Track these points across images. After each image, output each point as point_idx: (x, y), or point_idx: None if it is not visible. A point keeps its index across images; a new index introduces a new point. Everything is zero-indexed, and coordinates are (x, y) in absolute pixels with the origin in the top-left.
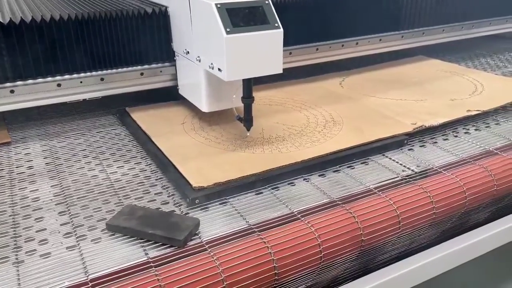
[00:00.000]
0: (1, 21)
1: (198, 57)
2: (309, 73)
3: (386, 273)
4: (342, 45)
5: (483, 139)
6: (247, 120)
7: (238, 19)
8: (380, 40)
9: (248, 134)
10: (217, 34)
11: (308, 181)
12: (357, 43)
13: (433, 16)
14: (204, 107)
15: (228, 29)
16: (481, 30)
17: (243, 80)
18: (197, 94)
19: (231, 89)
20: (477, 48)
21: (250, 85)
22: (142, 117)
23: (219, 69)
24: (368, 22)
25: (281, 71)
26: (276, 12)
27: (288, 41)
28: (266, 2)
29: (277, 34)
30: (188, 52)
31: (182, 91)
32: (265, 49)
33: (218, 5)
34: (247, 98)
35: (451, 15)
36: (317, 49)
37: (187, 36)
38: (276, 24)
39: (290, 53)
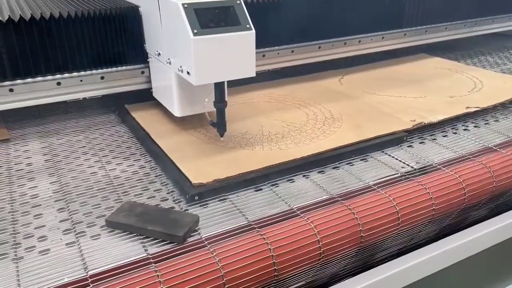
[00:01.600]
0: (0, 18)
1: (168, 59)
2: (309, 70)
3: (386, 270)
4: (345, 43)
5: (482, 136)
6: (220, 125)
7: (207, 20)
8: (383, 38)
9: (222, 139)
10: (184, 36)
11: (307, 177)
12: (359, 41)
13: (435, 14)
14: (176, 112)
15: (195, 31)
16: (484, 28)
17: (215, 84)
18: (169, 97)
19: (205, 93)
20: (478, 46)
21: (222, 89)
22: (142, 114)
23: (188, 73)
24: (370, 20)
25: (253, 75)
26: (276, 9)
27: (289, 39)
28: (238, 2)
29: (249, 35)
30: (160, 54)
31: (156, 94)
32: (237, 52)
33: (185, 5)
34: (219, 103)
35: (454, 13)
36: (319, 47)
37: (158, 37)
38: (248, 25)
39: (292, 51)
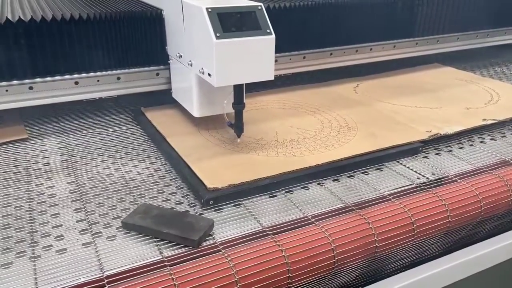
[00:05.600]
0: (23, 18)
1: (190, 61)
2: (324, 78)
3: (398, 281)
4: (356, 51)
5: (499, 149)
6: (237, 126)
7: (229, 24)
8: (394, 46)
9: (238, 140)
10: (207, 39)
11: (322, 185)
12: (371, 49)
13: (447, 23)
14: (195, 112)
15: (218, 34)
16: (496, 39)
17: (234, 86)
18: (189, 98)
19: (223, 94)
20: (492, 57)
21: (241, 91)
22: (157, 117)
23: (209, 74)
24: (382, 28)
25: (272, 78)
26: (288, 17)
27: (301, 45)
28: (259, 7)
29: (269, 40)
30: (181, 56)
31: (175, 95)
32: (256, 55)
33: (209, 9)
34: (238, 104)
35: (466, 23)
36: (331, 54)
37: (180, 40)
38: (268, 30)
39: (304, 57)
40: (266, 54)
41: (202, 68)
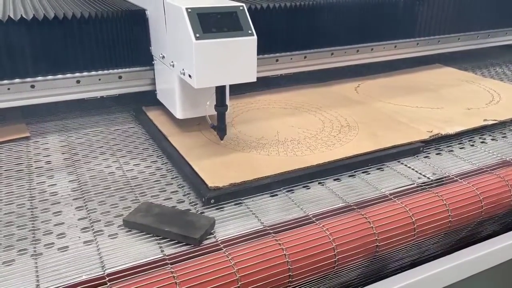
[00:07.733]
0: (25, 17)
1: (172, 62)
2: (325, 78)
3: (399, 280)
4: (357, 51)
5: (500, 149)
6: (220, 129)
7: (210, 25)
8: (395, 46)
9: (222, 142)
10: (187, 39)
11: (323, 185)
12: (372, 49)
13: (448, 24)
14: (178, 114)
15: (197, 35)
16: (497, 39)
17: (216, 87)
18: (172, 100)
19: (207, 96)
20: (492, 57)
21: (223, 93)
22: (158, 116)
23: (189, 76)
24: (383, 29)
25: (254, 80)
26: (290, 16)
27: (302, 45)
28: (241, 8)
29: (251, 41)
30: (164, 57)
31: (160, 96)
32: (238, 57)
33: (189, 10)
34: (220, 106)
35: (467, 24)
36: (332, 54)
37: (163, 41)
38: (250, 31)
39: (305, 57)
40: (248, 55)
41: (183, 69)
